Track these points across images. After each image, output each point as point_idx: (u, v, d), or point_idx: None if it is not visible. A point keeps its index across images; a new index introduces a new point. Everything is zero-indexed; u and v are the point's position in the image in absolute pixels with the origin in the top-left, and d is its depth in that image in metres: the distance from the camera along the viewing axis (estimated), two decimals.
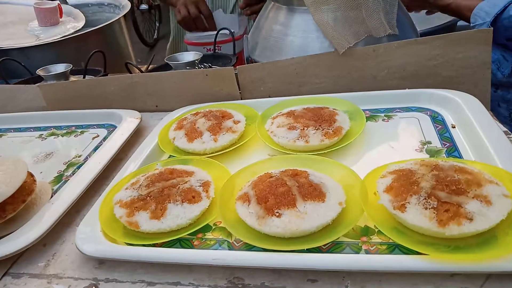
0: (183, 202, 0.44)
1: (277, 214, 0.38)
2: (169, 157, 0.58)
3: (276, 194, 0.40)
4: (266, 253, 0.37)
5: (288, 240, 0.38)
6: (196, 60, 0.87)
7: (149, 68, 1.00)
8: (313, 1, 0.67)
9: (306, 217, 0.38)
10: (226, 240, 0.41)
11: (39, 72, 1.00)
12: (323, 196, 0.40)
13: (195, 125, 0.59)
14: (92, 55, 0.99)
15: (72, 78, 1.03)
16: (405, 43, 0.63)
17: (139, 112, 0.72)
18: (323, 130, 0.52)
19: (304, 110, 0.58)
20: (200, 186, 0.46)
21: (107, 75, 1.03)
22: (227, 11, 1.35)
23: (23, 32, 1.51)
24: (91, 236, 0.43)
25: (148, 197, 0.44)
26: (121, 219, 0.43)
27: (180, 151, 0.57)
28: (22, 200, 0.47)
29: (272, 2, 0.79)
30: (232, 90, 0.70)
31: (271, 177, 0.44)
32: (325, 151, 0.52)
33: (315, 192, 0.40)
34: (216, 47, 1.28)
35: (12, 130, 0.74)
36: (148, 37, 4.19)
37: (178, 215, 0.42)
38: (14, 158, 0.51)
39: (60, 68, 1.02)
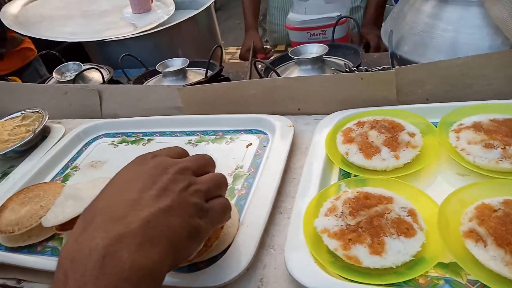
0: (399, 235, 0.42)
1: None
2: (343, 174, 0.56)
3: None
4: None
5: None
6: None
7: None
8: None
9: None
10: (456, 281, 0.39)
11: (159, 68, 1.01)
12: None
13: (367, 138, 0.56)
14: (214, 50, 0.97)
15: (190, 73, 1.03)
16: None
17: (279, 115, 0.70)
18: None
19: (493, 123, 0.53)
20: (408, 216, 0.44)
21: (222, 69, 1.03)
22: None
23: (119, 20, 1.54)
24: (305, 266, 0.43)
25: (360, 228, 0.43)
26: (337, 251, 0.42)
27: (352, 166, 0.55)
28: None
29: None
30: (388, 94, 0.66)
31: (495, 210, 0.41)
32: None
33: None
34: (321, 32, 1.23)
35: (158, 134, 0.76)
36: None
37: (399, 251, 0.40)
38: None
39: (177, 63, 1.03)
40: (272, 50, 1.63)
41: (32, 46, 1.78)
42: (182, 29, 1.42)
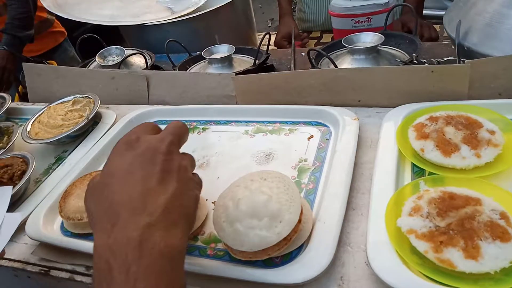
0: (494, 239, 0.40)
1: None
2: (416, 172, 0.54)
3: None
4: None
5: None
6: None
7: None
8: None
9: None
10: None
11: (204, 54, 1.00)
12: None
13: (443, 135, 0.54)
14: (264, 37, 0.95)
15: (235, 59, 1.02)
16: None
17: (338, 106, 0.69)
18: None
19: None
20: (501, 219, 0.42)
21: (269, 57, 1.00)
22: None
23: (155, 4, 1.52)
24: (392, 267, 0.41)
25: (451, 231, 0.41)
26: (427, 254, 0.40)
27: (427, 163, 0.53)
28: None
29: None
30: (459, 88, 0.63)
31: None
32: None
33: None
34: (366, 19, 1.19)
35: (212, 123, 0.75)
36: None
37: (496, 256, 0.39)
38: (271, 172, 0.50)
39: (222, 49, 1.02)
40: (308, 37, 1.59)
41: (62, 28, 1.78)
42: (220, 14, 1.40)
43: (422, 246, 0.41)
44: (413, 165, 0.55)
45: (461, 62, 0.70)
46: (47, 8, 1.36)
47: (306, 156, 0.61)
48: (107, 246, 0.32)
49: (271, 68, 1.03)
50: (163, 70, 1.14)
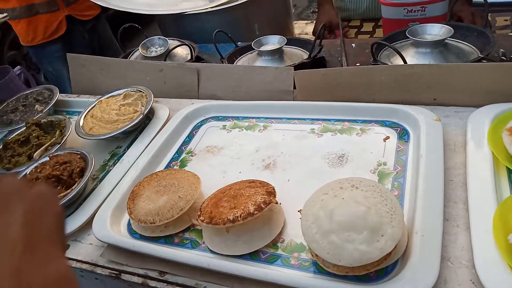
0: None
1: None
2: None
3: None
4: None
5: None
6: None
7: None
8: None
9: None
10: None
11: (254, 45, 0.96)
12: None
13: None
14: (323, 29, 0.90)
15: (285, 51, 0.97)
16: None
17: (410, 104, 0.64)
18: None
19: None
20: None
21: (322, 48, 0.96)
22: None
23: None
24: (506, 287, 0.38)
25: None
26: None
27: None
28: None
29: None
30: None
31: None
32: None
33: None
34: (420, 8, 1.13)
35: (273, 121, 0.72)
36: None
37: None
38: (362, 179, 0.47)
39: (272, 40, 0.98)
40: (347, 25, 1.53)
41: None
42: (258, 3, 1.35)
43: None
44: (509, 171, 0.51)
45: None
46: None
47: (384, 159, 0.58)
48: None
49: (323, 60, 0.99)
50: (204, 61, 1.11)
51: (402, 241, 0.45)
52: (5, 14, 0.95)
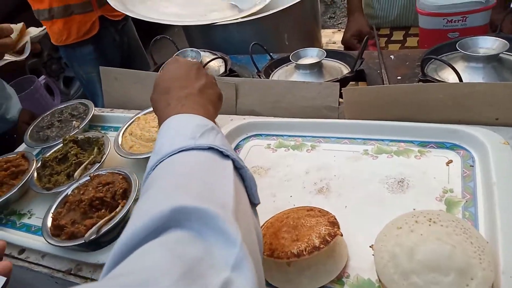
0: None
1: None
2: None
3: None
4: None
5: None
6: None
7: None
8: None
9: None
10: None
11: (292, 58, 0.93)
12: None
13: None
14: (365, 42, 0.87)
15: (324, 65, 0.94)
16: None
17: (469, 124, 0.61)
18: None
19: None
20: None
21: (363, 61, 0.93)
22: None
23: (220, 1, 1.46)
24: None
25: None
26: None
27: None
28: None
29: None
30: None
31: None
32: None
33: None
34: (461, 18, 1.09)
35: (321, 140, 0.69)
36: None
37: None
38: (439, 212, 0.43)
39: (311, 53, 0.95)
40: (377, 34, 1.50)
41: None
42: (288, 13, 1.32)
43: None
44: None
45: None
46: (114, 7, 1.32)
47: (450, 186, 0.54)
48: (165, 101, 0.48)
49: (363, 73, 0.95)
50: (237, 73, 1.09)
51: (487, 279, 0.41)
52: (43, 27, 0.96)
